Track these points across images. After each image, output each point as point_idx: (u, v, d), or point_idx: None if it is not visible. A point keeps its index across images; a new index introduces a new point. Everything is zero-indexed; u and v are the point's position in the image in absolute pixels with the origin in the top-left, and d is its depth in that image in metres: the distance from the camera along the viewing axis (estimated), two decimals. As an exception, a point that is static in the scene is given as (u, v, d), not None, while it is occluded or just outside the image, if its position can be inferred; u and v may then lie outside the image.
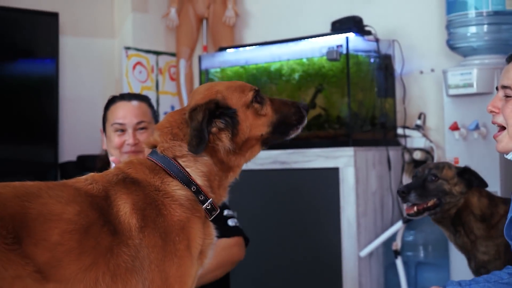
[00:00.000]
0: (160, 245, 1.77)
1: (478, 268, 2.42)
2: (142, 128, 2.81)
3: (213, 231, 1.80)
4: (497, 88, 2.13)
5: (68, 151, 4.37)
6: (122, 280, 1.73)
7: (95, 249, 1.72)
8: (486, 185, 2.45)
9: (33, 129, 4.34)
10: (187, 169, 1.77)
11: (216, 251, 2.14)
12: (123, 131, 2.80)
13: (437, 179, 2.36)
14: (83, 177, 1.88)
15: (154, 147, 1.89)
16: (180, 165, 1.81)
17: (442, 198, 2.34)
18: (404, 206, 2.43)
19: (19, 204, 1.67)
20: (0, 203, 1.64)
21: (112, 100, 2.92)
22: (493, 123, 2.11)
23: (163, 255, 1.77)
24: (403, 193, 2.34)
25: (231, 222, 2.74)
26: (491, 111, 2.09)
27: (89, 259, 1.70)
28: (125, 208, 1.76)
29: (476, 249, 2.43)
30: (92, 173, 1.90)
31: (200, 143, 1.71)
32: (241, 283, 3.71)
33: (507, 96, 1.98)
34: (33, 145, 4.35)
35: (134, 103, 2.89)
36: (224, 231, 2.34)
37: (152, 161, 1.83)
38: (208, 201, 1.77)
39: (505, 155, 2.08)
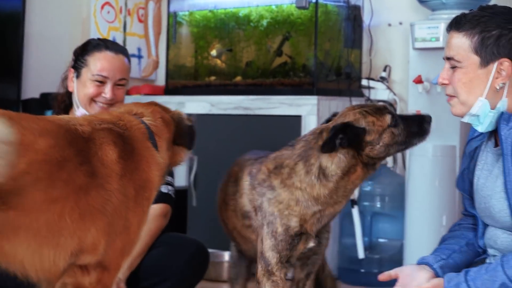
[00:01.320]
0: (132, 195, 1.85)
1: None
2: (120, 85, 2.81)
3: None
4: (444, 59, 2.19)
5: (32, 88, 4.32)
6: (91, 220, 1.77)
7: (66, 184, 1.74)
8: None
9: (7, 62, 4.29)
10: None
11: (148, 220, 2.20)
12: (102, 82, 2.78)
13: None
14: (69, 116, 2.17)
15: (135, 115, 1.99)
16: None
17: None
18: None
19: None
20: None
21: (97, 47, 2.85)
22: (446, 94, 2.11)
23: (132, 205, 1.84)
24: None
25: (164, 189, 2.70)
26: (442, 83, 2.09)
27: (57, 192, 1.71)
28: (112, 154, 1.82)
29: None
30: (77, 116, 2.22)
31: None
32: (198, 230, 3.68)
33: (453, 67, 2.01)
34: None
35: (121, 57, 2.86)
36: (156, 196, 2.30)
37: (146, 124, 1.94)
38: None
39: (460, 119, 2.13)
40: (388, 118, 2.06)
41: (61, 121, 1.90)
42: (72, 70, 2.81)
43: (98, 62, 2.76)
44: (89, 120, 1.89)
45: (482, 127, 2.09)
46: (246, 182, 2.26)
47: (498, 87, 1.99)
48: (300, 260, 2.27)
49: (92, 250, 1.82)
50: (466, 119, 2.07)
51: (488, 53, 1.97)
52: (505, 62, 1.96)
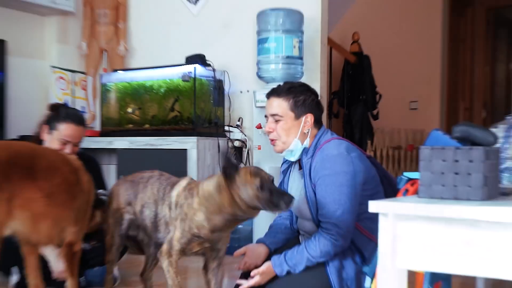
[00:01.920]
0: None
1: None
2: (76, 144, 3.16)
3: None
4: (265, 116, 2.51)
5: (12, 132, 4.73)
6: (76, 210, 2.51)
7: (71, 191, 2.48)
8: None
9: None
10: None
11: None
12: (65, 144, 3.07)
13: None
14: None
15: None
16: None
17: None
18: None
19: (30, 160, 2.37)
20: (20, 157, 2.33)
21: (66, 119, 3.10)
22: (270, 139, 2.49)
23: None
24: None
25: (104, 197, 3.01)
26: (268, 132, 2.48)
27: (68, 195, 2.46)
28: (87, 180, 2.59)
29: None
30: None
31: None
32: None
33: (276, 121, 2.42)
34: None
35: (81, 128, 3.16)
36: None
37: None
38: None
39: (280, 154, 2.55)
40: (257, 181, 2.14)
41: (64, 155, 2.66)
42: (47, 126, 3.09)
43: (65, 131, 3.06)
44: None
45: (294, 158, 2.51)
46: (182, 185, 2.42)
47: (306, 132, 2.45)
48: (208, 253, 2.44)
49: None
50: (283, 154, 2.51)
51: (299, 110, 2.41)
52: (309, 116, 2.43)
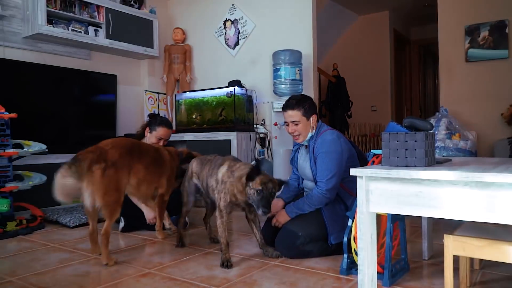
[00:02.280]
0: (172, 169, 2.82)
1: None
2: (166, 140, 3.17)
3: None
4: (285, 122, 2.47)
5: (120, 131, 4.75)
6: (164, 175, 2.67)
7: (157, 165, 2.61)
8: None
9: (106, 120, 4.59)
10: None
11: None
12: (160, 139, 3.12)
13: (275, 195, 2.10)
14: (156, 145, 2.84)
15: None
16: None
17: None
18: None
19: (137, 147, 2.50)
20: (133, 145, 2.48)
21: (161, 124, 3.14)
22: (294, 136, 2.45)
23: (171, 172, 2.75)
24: (268, 213, 2.05)
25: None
26: (292, 132, 2.44)
27: (155, 168, 2.60)
28: (169, 158, 2.72)
29: None
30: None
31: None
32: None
33: (296, 124, 2.42)
34: (104, 129, 4.53)
35: (169, 131, 3.18)
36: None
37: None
38: None
39: (302, 144, 2.51)
40: (259, 188, 2.06)
41: (155, 146, 2.79)
42: (148, 129, 3.15)
43: (160, 132, 3.11)
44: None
45: (305, 142, 2.48)
46: (225, 167, 2.32)
47: (312, 126, 2.44)
48: (246, 209, 2.35)
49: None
50: (304, 142, 2.48)
51: (307, 114, 2.41)
52: (314, 116, 2.43)
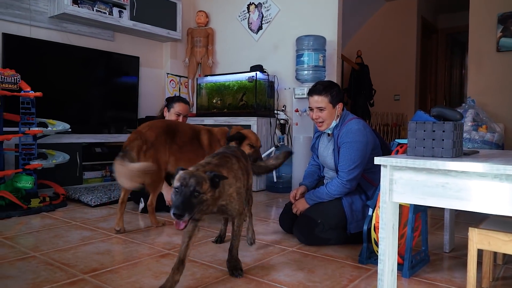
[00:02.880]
0: (211, 150, 2.75)
1: None
2: (185, 116, 3.24)
3: None
4: (310, 108, 2.39)
5: (142, 113, 4.82)
6: (199, 154, 2.66)
7: (194, 144, 2.67)
8: (225, 177, 1.58)
9: (128, 102, 4.63)
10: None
11: None
12: (178, 115, 3.19)
13: (199, 194, 1.48)
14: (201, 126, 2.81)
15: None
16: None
17: (203, 206, 1.51)
18: (176, 221, 1.46)
19: (173, 127, 2.60)
20: (169, 125, 2.58)
21: (178, 100, 3.24)
22: (318, 122, 2.38)
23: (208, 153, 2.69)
24: (180, 216, 1.42)
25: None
26: (316, 118, 2.37)
27: (191, 146, 2.65)
28: (206, 137, 2.75)
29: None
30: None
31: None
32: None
33: (321, 110, 2.35)
34: (126, 111, 4.62)
35: (187, 106, 3.25)
36: None
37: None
38: None
39: (325, 131, 2.44)
40: (176, 181, 1.51)
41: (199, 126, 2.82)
42: (166, 108, 3.24)
43: (177, 107, 3.19)
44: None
45: (328, 131, 2.42)
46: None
47: (337, 115, 2.38)
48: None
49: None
50: (326, 130, 2.41)
51: (334, 102, 2.34)
52: (340, 104, 2.36)
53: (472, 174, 1.27)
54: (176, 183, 1.51)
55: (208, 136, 2.80)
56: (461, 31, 6.83)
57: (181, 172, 1.56)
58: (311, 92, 2.35)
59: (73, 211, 3.23)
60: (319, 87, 2.33)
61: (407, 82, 6.90)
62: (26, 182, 3.09)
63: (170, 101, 3.25)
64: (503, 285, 1.82)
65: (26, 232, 2.57)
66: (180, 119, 3.17)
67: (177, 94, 5.13)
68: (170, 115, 3.18)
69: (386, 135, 6.34)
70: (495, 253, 1.99)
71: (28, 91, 3.22)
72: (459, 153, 1.49)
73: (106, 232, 2.59)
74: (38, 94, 3.24)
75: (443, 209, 2.44)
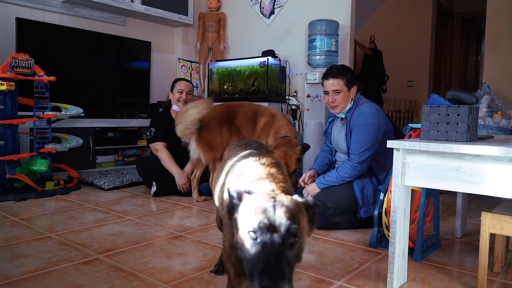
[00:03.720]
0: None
1: None
2: (189, 93, 3.31)
3: None
4: (325, 91, 2.37)
5: (153, 98, 4.84)
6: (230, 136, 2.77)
7: (249, 126, 2.78)
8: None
9: (140, 87, 4.62)
10: None
11: None
12: (181, 93, 3.27)
13: (297, 241, 0.77)
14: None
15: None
16: None
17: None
18: None
19: (230, 109, 2.82)
20: (228, 108, 2.82)
21: (178, 80, 3.38)
22: (333, 106, 2.36)
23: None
24: None
25: None
26: (332, 102, 2.35)
27: (247, 128, 2.75)
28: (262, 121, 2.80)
29: None
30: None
31: None
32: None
33: (337, 93, 2.34)
34: (137, 96, 4.61)
35: (187, 82, 3.36)
36: None
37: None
38: None
39: (338, 115, 2.44)
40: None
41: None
42: (169, 91, 3.38)
43: (178, 85, 3.30)
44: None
45: (342, 114, 2.42)
46: None
47: (352, 98, 2.37)
48: None
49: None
50: (340, 114, 2.41)
51: (349, 85, 2.34)
52: (354, 87, 2.37)
53: (486, 158, 1.26)
54: (252, 223, 0.79)
55: (266, 121, 2.82)
56: (478, 15, 6.69)
57: (254, 198, 0.85)
58: (326, 76, 2.35)
59: (86, 194, 3.28)
60: (334, 71, 2.33)
61: (421, 68, 6.80)
62: (41, 165, 3.14)
63: (173, 83, 3.36)
64: (515, 270, 1.82)
65: (41, 213, 2.62)
66: (184, 96, 3.25)
67: (188, 79, 5.10)
68: (173, 95, 3.29)
69: (398, 122, 6.29)
70: (507, 239, 1.98)
71: (42, 76, 3.26)
72: (473, 138, 1.48)
73: (119, 214, 2.63)
74: (52, 78, 3.27)
75: (455, 196, 2.43)
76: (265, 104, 4.23)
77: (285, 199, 0.83)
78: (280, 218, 0.78)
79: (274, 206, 0.79)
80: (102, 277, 1.61)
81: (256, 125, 2.80)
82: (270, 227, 0.77)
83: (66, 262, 1.76)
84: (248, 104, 3.05)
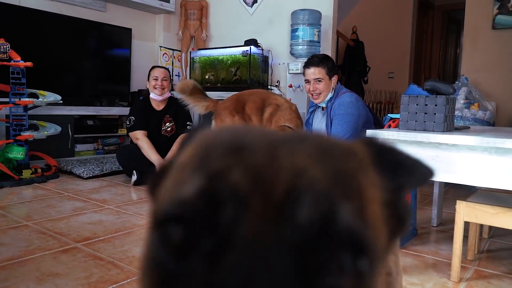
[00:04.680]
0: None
1: None
2: (165, 80, 3.34)
3: None
4: (306, 80, 2.42)
5: (133, 87, 4.80)
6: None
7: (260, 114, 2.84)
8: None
9: (120, 75, 4.60)
10: None
11: None
12: (156, 79, 3.30)
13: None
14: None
15: None
16: None
17: None
18: None
19: (245, 97, 2.87)
20: (240, 96, 2.88)
21: (153, 67, 3.44)
22: (315, 94, 2.41)
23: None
24: None
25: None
26: (313, 90, 2.40)
27: (258, 117, 2.77)
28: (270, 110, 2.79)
29: None
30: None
31: None
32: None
33: (319, 81, 2.39)
34: (118, 84, 4.58)
35: (163, 69, 3.41)
36: None
37: None
38: None
39: (319, 104, 2.49)
40: None
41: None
42: (147, 79, 3.39)
43: (153, 72, 3.34)
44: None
45: (323, 104, 2.47)
46: None
47: (332, 87, 2.43)
48: None
49: None
50: (322, 103, 2.46)
51: (330, 74, 2.39)
52: (335, 76, 2.43)
53: (462, 148, 1.28)
54: None
55: (271, 111, 2.77)
56: (458, 8, 6.78)
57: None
58: (307, 65, 2.38)
59: (65, 182, 3.25)
60: (316, 60, 2.37)
61: (402, 60, 6.88)
62: (17, 153, 3.08)
63: (149, 72, 3.39)
64: (487, 257, 1.88)
65: (18, 202, 2.59)
66: (159, 82, 3.28)
67: (170, 68, 5.12)
68: (150, 83, 3.32)
69: (379, 113, 6.36)
70: (481, 227, 2.03)
71: (18, 61, 3.18)
72: (450, 128, 1.51)
73: (98, 203, 2.61)
74: (29, 64, 3.20)
75: (432, 186, 2.48)
76: (247, 93, 4.24)
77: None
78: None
79: None
80: (80, 265, 1.60)
81: (263, 116, 2.81)
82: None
83: (43, 250, 1.75)
84: (260, 92, 3.05)
